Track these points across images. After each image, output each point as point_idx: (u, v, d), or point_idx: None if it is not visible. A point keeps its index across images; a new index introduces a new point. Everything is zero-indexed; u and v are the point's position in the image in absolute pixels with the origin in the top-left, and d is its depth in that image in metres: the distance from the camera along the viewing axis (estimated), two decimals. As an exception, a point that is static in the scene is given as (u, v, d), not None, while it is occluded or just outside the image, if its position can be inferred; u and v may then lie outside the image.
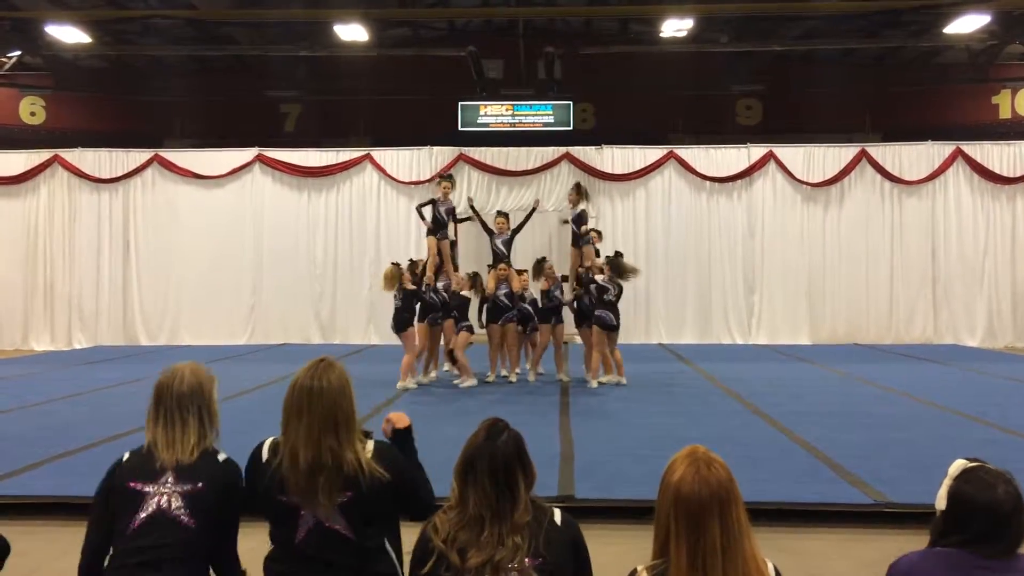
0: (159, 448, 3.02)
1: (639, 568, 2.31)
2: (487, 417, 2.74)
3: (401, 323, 11.21)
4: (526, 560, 2.48)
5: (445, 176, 12.74)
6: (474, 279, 11.82)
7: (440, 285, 11.53)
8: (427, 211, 12.01)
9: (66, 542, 5.49)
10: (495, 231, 12.10)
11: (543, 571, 2.49)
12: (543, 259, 11.99)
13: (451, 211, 12.01)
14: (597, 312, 11.17)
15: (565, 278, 12.34)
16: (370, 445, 2.92)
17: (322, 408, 2.86)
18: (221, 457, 3.09)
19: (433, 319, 11.58)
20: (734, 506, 2.22)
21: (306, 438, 2.83)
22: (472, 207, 13.26)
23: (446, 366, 12.00)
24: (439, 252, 11.72)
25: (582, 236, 11.88)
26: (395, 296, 11.32)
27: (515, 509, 2.54)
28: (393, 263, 11.68)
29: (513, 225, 12.33)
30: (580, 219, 11.97)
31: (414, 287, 11.28)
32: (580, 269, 11.78)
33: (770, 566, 2.30)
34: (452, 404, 10.08)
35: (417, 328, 11.44)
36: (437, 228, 11.82)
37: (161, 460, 3.00)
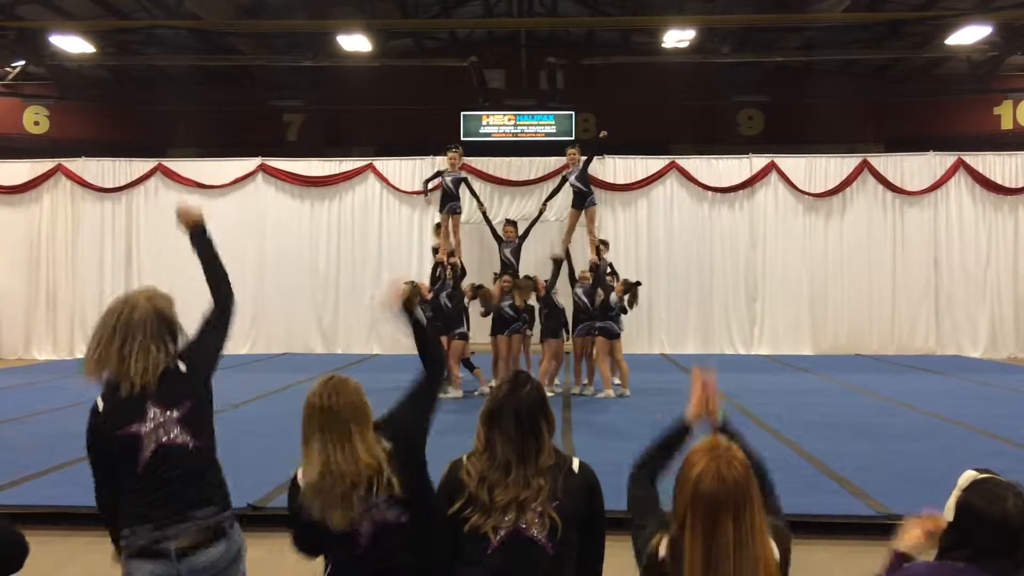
0: (127, 379, 2.98)
1: (662, 536, 2.39)
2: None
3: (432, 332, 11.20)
4: (547, 500, 2.69)
5: (452, 145, 12.58)
6: (477, 291, 11.78)
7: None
8: (434, 183, 12.01)
9: (69, 552, 5.48)
10: (503, 239, 12.03)
11: (560, 512, 2.69)
12: (518, 279, 11.69)
13: (459, 182, 11.89)
14: (601, 323, 11.17)
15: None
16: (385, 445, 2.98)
17: (339, 425, 2.87)
18: (183, 367, 3.08)
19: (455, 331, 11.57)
20: (750, 506, 2.27)
21: (327, 462, 2.83)
22: (483, 213, 12.96)
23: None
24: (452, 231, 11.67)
25: (590, 195, 11.53)
26: (423, 308, 11.32)
27: (540, 453, 2.75)
28: (406, 283, 11.64)
29: (520, 233, 12.32)
30: (586, 176, 11.64)
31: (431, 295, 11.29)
32: (592, 259, 11.57)
33: (772, 546, 2.35)
34: (453, 416, 10.07)
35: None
36: (446, 201, 11.73)
37: (134, 393, 2.96)
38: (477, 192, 13.61)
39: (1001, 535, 2.33)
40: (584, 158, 11.84)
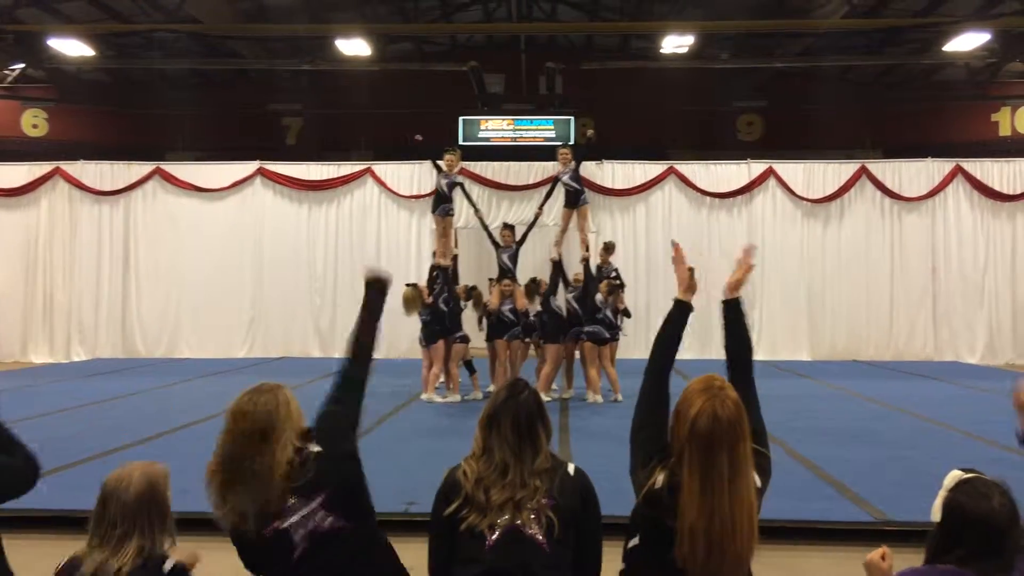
0: (97, 560, 2.73)
1: (659, 470, 2.57)
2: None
3: (431, 336, 11.15)
4: (543, 500, 2.73)
5: (450, 148, 12.57)
6: (469, 292, 11.74)
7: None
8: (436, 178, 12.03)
9: (63, 556, 5.47)
10: (500, 244, 11.99)
11: (557, 512, 2.74)
12: (534, 279, 11.89)
13: (453, 186, 11.86)
14: (590, 328, 11.15)
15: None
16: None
17: (259, 429, 2.75)
18: (167, 567, 2.78)
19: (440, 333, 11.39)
20: (742, 441, 2.50)
21: (252, 460, 2.72)
22: (480, 219, 12.91)
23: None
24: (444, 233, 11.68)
25: (582, 193, 11.66)
26: (420, 313, 11.26)
27: (536, 456, 2.81)
28: (408, 284, 11.57)
29: (518, 238, 12.27)
30: (579, 176, 11.75)
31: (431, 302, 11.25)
32: (584, 255, 11.58)
33: (755, 477, 2.57)
34: (449, 420, 10.06)
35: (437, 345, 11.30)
36: (439, 203, 11.74)
37: (98, 570, 2.71)
38: (475, 199, 13.56)
39: (988, 533, 2.34)
40: (576, 160, 11.89)
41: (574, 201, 11.67)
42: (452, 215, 11.96)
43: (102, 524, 2.78)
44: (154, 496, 2.80)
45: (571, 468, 2.90)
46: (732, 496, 2.43)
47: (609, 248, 13.00)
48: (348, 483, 2.85)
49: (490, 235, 12.25)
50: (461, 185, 12.17)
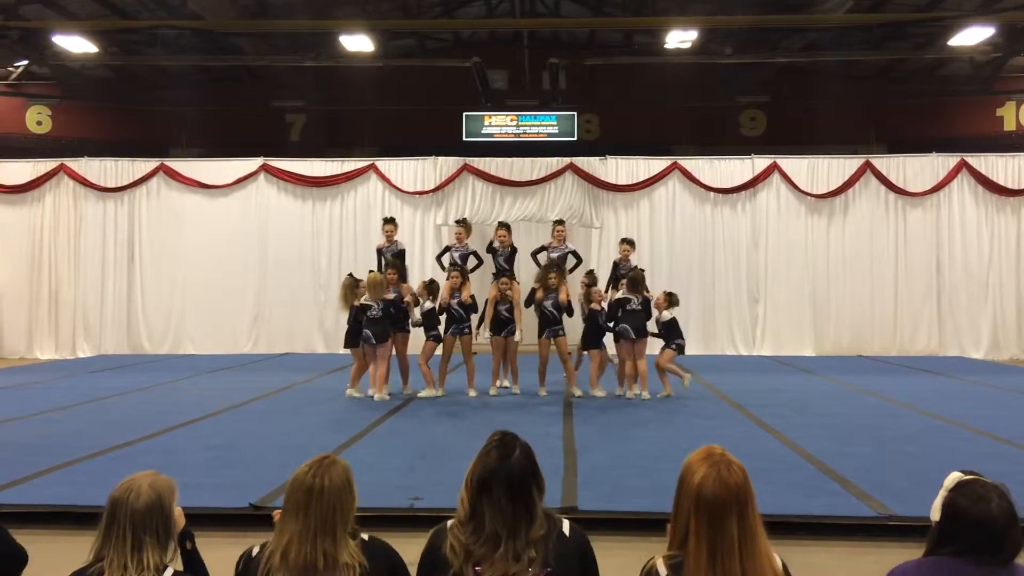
0: (109, 573, 2.71)
1: (656, 557, 2.44)
2: (494, 431, 2.73)
3: (382, 334, 10.98)
4: (538, 570, 2.55)
5: (459, 220, 12.79)
6: (429, 286, 11.64)
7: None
8: (445, 259, 12.14)
9: (70, 551, 5.49)
10: (497, 248, 11.98)
11: None
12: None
13: (466, 257, 12.01)
14: (619, 326, 11.14)
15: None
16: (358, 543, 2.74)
17: (322, 508, 2.65)
18: (168, 575, 2.76)
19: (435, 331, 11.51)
20: (751, 506, 2.37)
21: (300, 538, 2.62)
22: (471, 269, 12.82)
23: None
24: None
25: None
26: (372, 306, 11.09)
27: (531, 525, 2.59)
28: (370, 271, 11.55)
29: (514, 238, 12.28)
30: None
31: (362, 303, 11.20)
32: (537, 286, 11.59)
33: (778, 561, 2.42)
34: (454, 417, 10.07)
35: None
36: (454, 267, 11.90)
37: None
38: (478, 204, 13.58)
39: (986, 535, 2.39)
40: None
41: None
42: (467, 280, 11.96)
43: (111, 537, 2.75)
44: (161, 505, 2.79)
45: (566, 527, 2.70)
46: (745, 563, 2.31)
47: (631, 243, 12.90)
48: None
49: (478, 265, 12.28)
50: (474, 253, 12.21)
